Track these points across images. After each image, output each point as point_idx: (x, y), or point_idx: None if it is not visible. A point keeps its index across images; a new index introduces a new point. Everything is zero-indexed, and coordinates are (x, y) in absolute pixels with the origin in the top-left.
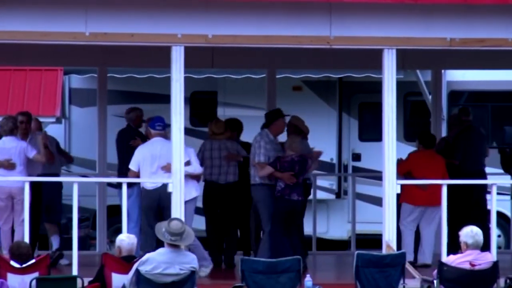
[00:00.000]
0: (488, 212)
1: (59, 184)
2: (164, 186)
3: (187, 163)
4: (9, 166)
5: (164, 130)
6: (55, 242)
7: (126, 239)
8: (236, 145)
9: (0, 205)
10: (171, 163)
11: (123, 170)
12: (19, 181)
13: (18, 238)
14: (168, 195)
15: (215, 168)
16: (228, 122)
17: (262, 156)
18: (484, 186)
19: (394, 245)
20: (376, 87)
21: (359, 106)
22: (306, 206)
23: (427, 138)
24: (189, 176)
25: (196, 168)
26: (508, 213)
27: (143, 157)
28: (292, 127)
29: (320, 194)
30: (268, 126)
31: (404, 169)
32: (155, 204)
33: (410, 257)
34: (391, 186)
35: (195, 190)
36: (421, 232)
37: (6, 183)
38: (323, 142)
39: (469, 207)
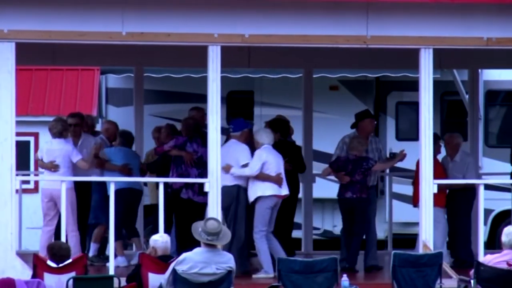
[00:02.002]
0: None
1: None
2: (223, 187)
3: (245, 165)
4: (52, 167)
5: (237, 132)
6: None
7: (160, 239)
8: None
9: (42, 207)
10: (230, 164)
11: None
12: (55, 182)
13: (71, 241)
14: (223, 195)
15: None
16: (272, 123)
17: (334, 156)
18: None
19: (431, 245)
20: (413, 86)
21: (396, 105)
22: (369, 204)
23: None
24: (260, 177)
25: (250, 171)
26: None
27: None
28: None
29: None
30: (356, 126)
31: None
32: (224, 205)
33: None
34: (427, 186)
35: (270, 189)
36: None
37: (49, 185)
38: None
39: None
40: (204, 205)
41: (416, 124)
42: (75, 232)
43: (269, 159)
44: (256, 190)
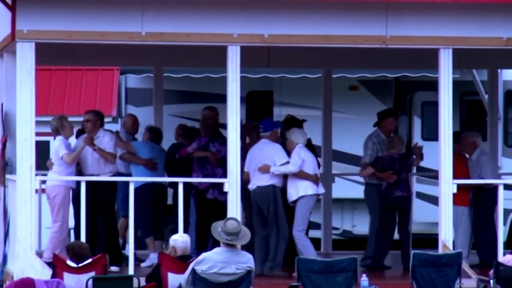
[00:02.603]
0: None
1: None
2: (258, 187)
3: (286, 163)
4: (49, 166)
5: (267, 132)
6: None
7: (179, 238)
8: None
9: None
10: (268, 164)
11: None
12: (52, 180)
13: (48, 240)
14: (260, 195)
15: None
16: (284, 122)
17: (368, 157)
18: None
19: (450, 245)
20: (433, 86)
21: (421, 104)
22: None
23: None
24: (300, 176)
25: (294, 167)
26: None
27: (248, 158)
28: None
29: None
30: (379, 125)
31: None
32: (254, 205)
33: None
34: (447, 186)
35: (311, 188)
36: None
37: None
38: None
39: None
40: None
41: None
42: (56, 232)
43: (307, 158)
44: (298, 189)
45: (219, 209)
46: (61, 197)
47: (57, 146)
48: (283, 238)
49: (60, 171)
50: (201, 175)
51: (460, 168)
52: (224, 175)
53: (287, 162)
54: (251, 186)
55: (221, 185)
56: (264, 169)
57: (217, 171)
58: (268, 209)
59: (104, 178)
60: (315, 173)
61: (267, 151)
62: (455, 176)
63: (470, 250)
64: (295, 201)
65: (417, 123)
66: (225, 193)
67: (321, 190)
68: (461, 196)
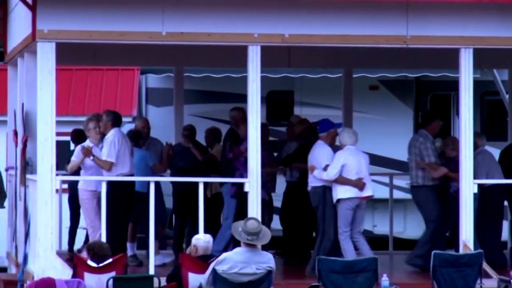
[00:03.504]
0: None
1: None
2: (311, 188)
3: (326, 168)
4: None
5: (323, 133)
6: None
7: (202, 238)
8: (295, 146)
9: None
10: (315, 166)
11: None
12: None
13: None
14: (312, 196)
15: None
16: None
17: (433, 157)
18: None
19: (471, 245)
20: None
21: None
22: None
23: None
24: (338, 181)
25: (327, 175)
26: None
27: (308, 159)
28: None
29: (397, 194)
30: (425, 127)
31: None
32: (313, 205)
33: None
34: (468, 185)
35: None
36: None
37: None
38: (399, 141)
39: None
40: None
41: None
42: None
43: (349, 161)
44: (337, 192)
45: (264, 209)
46: (84, 200)
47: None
48: (327, 239)
49: (81, 174)
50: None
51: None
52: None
53: (327, 167)
54: (308, 187)
55: (267, 185)
56: (312, 170)
57: (262, 170)
58: (317, 210)
59: (122, 178)
60: (357, 177)
61: (316, 154)
62: None
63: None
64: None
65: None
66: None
67: (367, 192)
68: None
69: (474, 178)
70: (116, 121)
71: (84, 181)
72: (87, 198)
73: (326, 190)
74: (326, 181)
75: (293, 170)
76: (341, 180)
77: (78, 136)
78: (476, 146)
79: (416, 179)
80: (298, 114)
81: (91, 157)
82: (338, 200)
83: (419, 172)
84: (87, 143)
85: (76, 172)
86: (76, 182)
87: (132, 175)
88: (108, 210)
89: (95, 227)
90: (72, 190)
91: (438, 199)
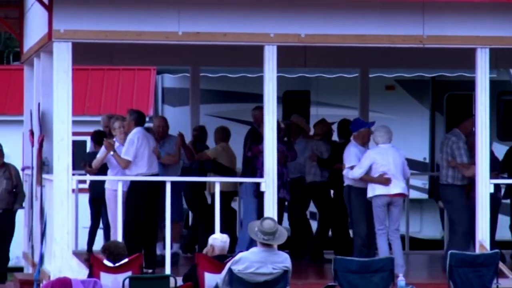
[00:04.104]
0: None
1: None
2: (344, 187)
3: (351, 168)
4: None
5: (355, 132)
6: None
7: (219, 237)
8: (322, 145)
9: None
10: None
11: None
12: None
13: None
14: (344, 194)
15: (301, 168)
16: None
17: (465, 156)
18: None
19: (487, 245)
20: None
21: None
22: None
23: None
24: (365, 180)
25: (352, 174)
26: None
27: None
28: (294, 125)
29: (413, 194)
30: (458, 126)
31: None
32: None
33: None
34: (484, 185)
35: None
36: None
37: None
38: (416, 141)
39: None
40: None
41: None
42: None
43: (377, 160)
44: (368, 191)
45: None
46: (109, 199)
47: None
48: (357, 237)
49: (108, 173)
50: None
51: None
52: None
53: (352, 167)
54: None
55: (287, 184)
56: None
57: (283, 170)
58: (347, 208)
59: (135, 178)
60: (380, 174)
61: (345, 154)
62: None
63: None
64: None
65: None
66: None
67: (394, 190)
68: None
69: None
70: (139, 120)
71: (109, 180)
72: (112, 197)
73: (351, 189)
74: (352, 181)
75: (323, 170)
76: (366, 178)
77: (99, 137)
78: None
79: (446, 177)
80: (298, 114)
81: (112, 153)
82: (372, 199)
83: (450, 171)
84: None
85: (102, 171)
86: (97, 182)
87: (154, 175)
88: (127, 209)
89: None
90: (93, 190)
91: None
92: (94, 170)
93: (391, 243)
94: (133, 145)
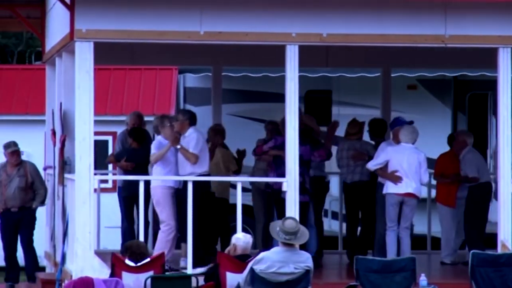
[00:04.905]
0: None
1: None
2: None
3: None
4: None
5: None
6: None
7: (242, 237)
8: (367, 145)
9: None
10: None
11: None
12: (153, 181)
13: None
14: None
15: (343, 168)
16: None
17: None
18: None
19: (509, 244)
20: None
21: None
22: None
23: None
24: (379, 174)
25: (368, 165)
26: None
27: None
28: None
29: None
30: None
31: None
32: None
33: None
34: (505, 185)
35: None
36: None
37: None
38: (437, 140)
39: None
40: (305, 204)
41: None
42: (162, 232)
43: (392, 158)
44: (384, 187)
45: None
46: (161, 197)
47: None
48: (377, 233)
49: (158, 171)
50: (276, 175)
51: (451, 167)
52: (302, 175)
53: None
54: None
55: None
56: None
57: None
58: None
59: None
60: (392, 171)
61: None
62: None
63: (457, 249)
64: None
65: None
66: (305, 194)
67: (403, 189)
68: (446, 196)
69: (466, 176)
70: (193, 120)
71: (161, 178)
72: (165, 196)
73: (378, 186)
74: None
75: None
76: (379, 172)
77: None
78: (464, 145)
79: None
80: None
81: (178, 146)
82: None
83: None
84: (160, 138)
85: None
86: (131, 180)
87: (208, 175)
88: (183, 209)
89: (171, 226)
90: (127, 189)
91: None
92: (128, 167)
93: (400, 241)
94: (199, 142)
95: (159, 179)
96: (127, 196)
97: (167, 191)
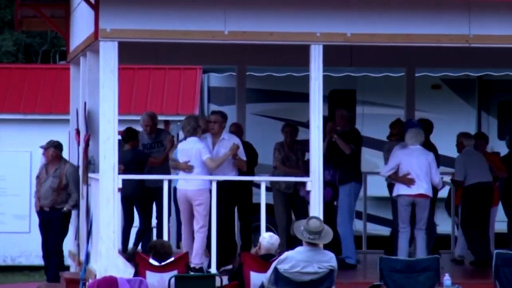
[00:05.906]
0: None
1: None
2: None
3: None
4: (186, 168)
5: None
6: None
7: (267, 238)
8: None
9: (180, 209)
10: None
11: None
12: (195, 184)
13: (196, 245)
14: None
15: None
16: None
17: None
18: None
19: None
20: None
21: (498, 104)
22: None
23: None
24: (391, 178)
25: (381, 171)
26: None
27: None
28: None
29: None
30: None
31: None
32: None
33: None
34: None
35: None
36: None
37: (183, 186)
38: None
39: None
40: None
41: None
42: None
43: (403, 160)
44: (393, 190)
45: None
46: (206, 200)
47: (199, 148)
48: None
49: (204, 174)
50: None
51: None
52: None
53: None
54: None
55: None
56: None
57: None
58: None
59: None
60: (405, 175)
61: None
62: None
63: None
64: None
65: (493, 123)
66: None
67: (415, 190)
68: (460, 197)
69: (455, 177)
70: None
71: (199, 180)
72: (209, 199)
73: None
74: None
75: None
76: (392, 177)
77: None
78: (462, 146)
79: None
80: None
81: (237, 157)
82: (397, 198)
83: None
84: (206, 136)
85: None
86: (131, 181)
87: None
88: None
89: (206, 226)
90: (126, 189)
91: None
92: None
93: (415, 242)
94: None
95: (182, 178)
96: (126, 197)
97: (207, 193)
